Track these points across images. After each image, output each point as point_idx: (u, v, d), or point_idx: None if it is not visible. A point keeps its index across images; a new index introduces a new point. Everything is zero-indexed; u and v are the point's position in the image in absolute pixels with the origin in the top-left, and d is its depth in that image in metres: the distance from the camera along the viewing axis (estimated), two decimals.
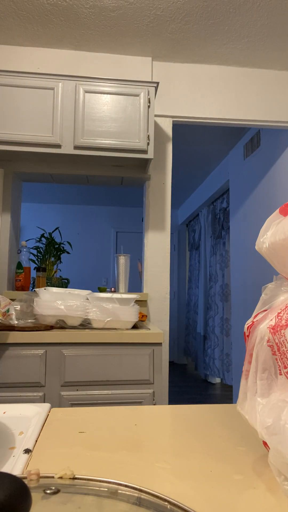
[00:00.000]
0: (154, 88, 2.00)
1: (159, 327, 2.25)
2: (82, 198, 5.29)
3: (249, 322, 0.47)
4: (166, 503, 0.31)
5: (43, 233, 2.44)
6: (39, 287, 2.17)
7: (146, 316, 2.16)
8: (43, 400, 1.45)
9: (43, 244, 2.40)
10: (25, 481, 0.30)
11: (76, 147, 1.94)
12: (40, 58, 2.23)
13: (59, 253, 2.40)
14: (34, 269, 2.23)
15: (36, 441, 0.50)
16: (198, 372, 4.99)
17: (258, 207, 2.97)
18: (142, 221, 2.50)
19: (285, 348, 0.39)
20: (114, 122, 1.96)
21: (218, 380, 4.52)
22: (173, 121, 2.38)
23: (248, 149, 3.19)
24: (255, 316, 0.47)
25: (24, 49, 2.23)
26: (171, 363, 5.69)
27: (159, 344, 1.53)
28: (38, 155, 2.04)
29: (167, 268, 2.29)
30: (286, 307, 0.42)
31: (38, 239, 2.44)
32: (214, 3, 1.86)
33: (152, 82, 2.00)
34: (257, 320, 0.46)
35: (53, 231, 2.57)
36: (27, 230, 5.49)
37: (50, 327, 1.56)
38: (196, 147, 3.52)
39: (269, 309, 0.46)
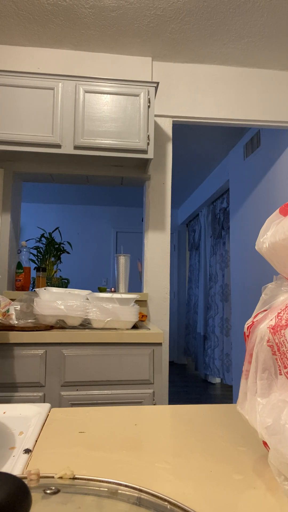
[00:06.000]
0: (154, 88, 2.00)
1: (159, 327, 2.25)
2: (82, 198, 5.29)
3: (249, 322, 0.47)
4: (166, 503, 0.31)
5: (43, 233, 2.44)
6: (39, 287, 2.17)
7: (146, 316, 2.16)
8: (43, 400, 1.45)
9: (43, 244, 2.40)
10: (25, 481, 0.30)
11: (76, 147, 1.94)
12: (40, 58, 2.23)
13: (59, 253, 2.40)
14: (34, 269, 2.23)
15: (36, 441, 0.50)
16: (198, 372, 4.99)
17: (258, 207, 2.97)
18: (142, 221, 2.50)
19: (285, 348, 0.39)
20: (114, 122, 1.96)
21: (218, 380, 4.52)
22: (173, 121, 2.38)
23: (248, 149, 3.19)
24: (255, 316, 0.47)
25: (24, 49, 2.23)
26: (171, 363, 5.69)
27: (159, 344, 1.53)
28: (38, 155, 2.04)
29: (167, 268, 2.29)
30: (286, 307, 0.42)
31: (38, 239, 2.44)
32: (214, 3, 1.86)
33: (152, 82, 2.00)
34: (257, 320, 0.46)
35: (53, 231, 2.57)
36: (27, 230, 5.49)
37: (50, 327, 1.56)
38: (196, 147, 3.52)
39: (269, 309, 0.46)
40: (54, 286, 2.27)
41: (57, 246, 2.39)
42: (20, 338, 1.45)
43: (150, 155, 1.97)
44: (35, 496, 0.30)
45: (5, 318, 1.51)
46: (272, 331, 0.41)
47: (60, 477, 0.35)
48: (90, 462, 0.44)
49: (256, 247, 0.50)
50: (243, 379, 0.45)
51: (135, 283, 5.06)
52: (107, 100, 1.97)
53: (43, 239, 2.41)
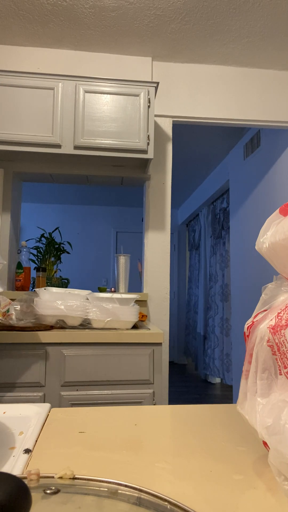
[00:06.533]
0: (154, 88, 2.00)
1: (159, 327, 2.25)
2: (82, 198, 5.29)
3: (249, 322, 0.47)
4: (166, 503, 0.31)
5: (43, 233, 2.44)
6: (39, 287, 2.17)
7: (146, 316, 2.16)
8: (43, 400, 1.45)
9: (43, 244, 2.40)
10: (25, 481, 0.30)
11: (76, 147, 1.94)
12: (40, 58, 2.23)
13: (59, 253, 2.40)
14: (34, 269, 2.23)
15: (36, 441, 0.50)
16: (198, 372, 4.99)
17: (258, 207, 2.97)
18: (142, 221, 2.50)
19: (285, 348, 0.39)
20: (114, 122, 1.96)
21: (218, 380, 4.52)
22: (173, 121, 2.38)
23: (248, 149, 3.19)
24: (255, 316, 0.47)
25: (24, 49, 2.23)
26: (171, 363, 5.69)
27: (159, 344, 1.53)
28: (38, 155, 2.04)
29: (167, 268, 2.29)
30: (286, 307, 0.42)
31: (38, 239, 2.44)
32: (214, 3, 1.86)
33: (152, 82, 1.99)
34: (257, 320, 0.46)
35: (53, 231, 2.57)
36: (27, 230, 5.49)
37: (50, 327, 1.56)
38: (196, 147, 3.52)
39: (269, 309, 0.46)
40: (54, 286, 2.27)
41: (57, 246, 2.39)
42: (20, 338, 1.45)
43: (150, 155, 1.97)
44: (35, 496, 0.30)
45: (5, 318, 1.51)
46: (272, 331, 0.41)
47: (60, 477, 0.35)
48: (90, 462, 0.44)
49: (256, 247, 0.50)
50: (243, 379, 0.45)
51: (135, 283, 5.05)
52: (107, 100, 1.97)
53: (43, 239, 2.41)
